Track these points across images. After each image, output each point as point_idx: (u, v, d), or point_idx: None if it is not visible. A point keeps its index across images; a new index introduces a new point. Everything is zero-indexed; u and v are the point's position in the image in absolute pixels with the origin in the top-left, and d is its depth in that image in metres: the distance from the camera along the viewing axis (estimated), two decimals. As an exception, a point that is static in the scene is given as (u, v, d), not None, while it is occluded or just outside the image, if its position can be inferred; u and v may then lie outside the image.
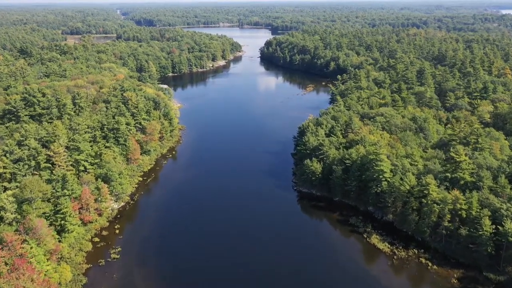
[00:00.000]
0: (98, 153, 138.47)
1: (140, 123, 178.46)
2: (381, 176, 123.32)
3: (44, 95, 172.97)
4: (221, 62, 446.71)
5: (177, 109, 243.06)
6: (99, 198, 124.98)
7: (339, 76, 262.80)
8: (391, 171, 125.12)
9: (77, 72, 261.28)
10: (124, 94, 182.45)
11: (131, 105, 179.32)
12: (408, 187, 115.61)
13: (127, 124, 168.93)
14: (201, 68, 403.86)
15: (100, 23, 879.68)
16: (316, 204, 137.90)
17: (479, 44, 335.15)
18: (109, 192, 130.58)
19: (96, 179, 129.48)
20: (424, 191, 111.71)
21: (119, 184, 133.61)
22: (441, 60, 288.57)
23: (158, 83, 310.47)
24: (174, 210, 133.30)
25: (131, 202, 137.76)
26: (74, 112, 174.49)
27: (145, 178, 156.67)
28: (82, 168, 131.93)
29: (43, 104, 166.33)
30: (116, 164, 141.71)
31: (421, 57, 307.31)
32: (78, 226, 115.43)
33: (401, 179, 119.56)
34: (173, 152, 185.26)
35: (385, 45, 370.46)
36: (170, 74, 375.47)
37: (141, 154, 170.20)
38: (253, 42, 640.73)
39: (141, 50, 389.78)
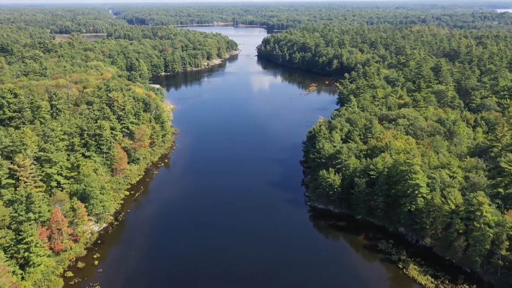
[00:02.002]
0: (75, 164, 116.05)
1: (127, 128, 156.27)
2: (416, 192, 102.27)
3: (16, 95, 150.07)
4: (217, 61, 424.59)
5: (170, 111, 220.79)
6: (75, 221, 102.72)
7: (346, 74, 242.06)
8: (427, 185, 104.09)
9: (60, 70, 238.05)
10: (110, 95, 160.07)
11: (117, 107, 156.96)
12: (453, 206, 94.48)
13: (112, 129, 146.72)
14: (195, 67, 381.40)
15: (90, 22, 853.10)
16: (335, 223, 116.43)
17: (491, 41, 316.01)
18: (87, 212, 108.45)
19: (71, 197, 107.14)
20: (476, 212, 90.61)
21: (100, 201, 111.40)
22: (453, 57, 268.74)
23: (150, 83, 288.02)
24: (167, 232, 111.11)
25: (115, 223, 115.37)
26: (51, 115, 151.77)
27: (132, 192, 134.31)
28: (54, 183, 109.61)
29: (14, 107, 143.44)
30: (97, 177, 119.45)
31: (431, 54, 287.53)
32: (47, 257, 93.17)
33: (444, 196, 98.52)
34: (166, 160, 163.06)
35: (391, 42, 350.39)
36: (163, 73, 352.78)
37: (128, 163, 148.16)
38: (249, 40, 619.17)
39: (131, 48, 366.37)
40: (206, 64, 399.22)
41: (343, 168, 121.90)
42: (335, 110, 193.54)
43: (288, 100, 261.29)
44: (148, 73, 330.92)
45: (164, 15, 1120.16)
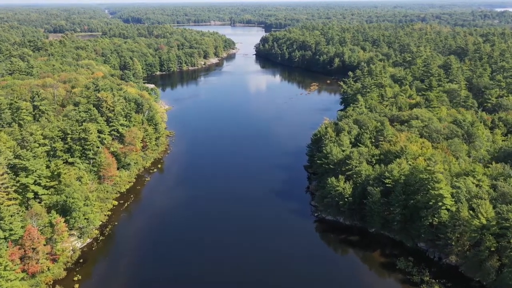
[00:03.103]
0: (56, 172, 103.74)
1: (117, 130, 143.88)
2: (439, 203, 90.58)
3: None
4: (214, 60, 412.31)
5: (164, 112, 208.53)
6: (53, 237, 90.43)
7: (350, 73, 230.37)
8: (452, 195, 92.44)
9: (49, 69, 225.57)
10: (98, 95, 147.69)
11: (106, 108, 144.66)
12: (484, 221, 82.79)
13: (100, 132, 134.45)
14: (192, 66, 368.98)
15: (85, 21, 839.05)
16: (346, 237, 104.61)
17: (498, 38, 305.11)
18: (68, 227, 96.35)
19: (49, 211, 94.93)
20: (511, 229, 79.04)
21: (83, 214, 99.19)
22: (461, 55, 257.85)
23: (144, 82, 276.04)
24: (158, 248, 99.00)
25: (101, 237, 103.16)
26: (34, 117, 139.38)
27: (121, 201, 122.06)
28: (31, 195, 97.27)
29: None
30: (81, 186, 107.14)
31: (437, 52, 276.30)
32: (20, 280, 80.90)
33: (471, 208, 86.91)
34: (159, 165, 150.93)
35: (394, 40, 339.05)
36: (158, 73, 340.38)
37: (118, 169, 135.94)
38: (247, 39, 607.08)
39: (125, 46, 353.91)
40: (203, 63, 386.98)
41: (354, 175, 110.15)
42: (340, 110, 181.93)
43: (289, 100, 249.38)
44: (143, 72, 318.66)
45: (160, 14, 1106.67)
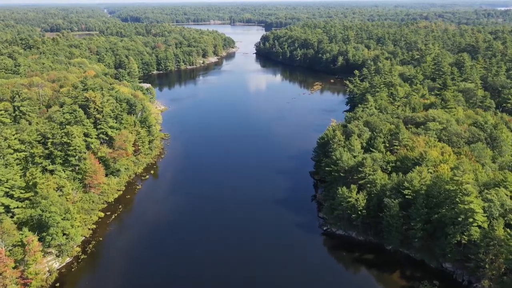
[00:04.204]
0: (32, 182, 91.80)
1: (106, 133, 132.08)
2: (470, 219, 78.58)
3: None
4: (213, 59, 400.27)
5: (159, 113, 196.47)
6: (25, 259, 78.50)
7: (356, 71, 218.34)
8: (483, 209, 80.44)
9: (38, 68, 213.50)
10: (86, 94, 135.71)
11: (94, 108, 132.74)
12: (526, 242, 70.88)
13: (86, 135, 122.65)
14: (190, 65, 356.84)
15: (83, 20, 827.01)
16: (360, 255, 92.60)
17: (509, 35, 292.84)
18: (45, 245, 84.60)
19: (21, 227, 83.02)
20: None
21: (61, 230, 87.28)
22: (471, 52, 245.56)
23: (140, 82, 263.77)
24: (148, 269, 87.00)
25: (82, 256, 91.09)
26: (14, 119, 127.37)
27: (108, 212, 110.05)
28: (1, 209, 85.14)
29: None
30: (60, 198, 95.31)
31: (446, 49, 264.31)
32: (-17, 312, 69.10)
33: (508, 225, 74.95)
34: (152, 171, 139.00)
35: (399, 37, 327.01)
36: (155, 72, 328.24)
37: (106, 176, 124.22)
38: (247, 38, 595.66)
39: (121, 44, 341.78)
40: (201, 62, 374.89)
41: (368, 185, 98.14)
42: (347, 111, 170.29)
43: (291, 100, 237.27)
44: (139, 71, 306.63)
45: (159, 13, 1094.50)
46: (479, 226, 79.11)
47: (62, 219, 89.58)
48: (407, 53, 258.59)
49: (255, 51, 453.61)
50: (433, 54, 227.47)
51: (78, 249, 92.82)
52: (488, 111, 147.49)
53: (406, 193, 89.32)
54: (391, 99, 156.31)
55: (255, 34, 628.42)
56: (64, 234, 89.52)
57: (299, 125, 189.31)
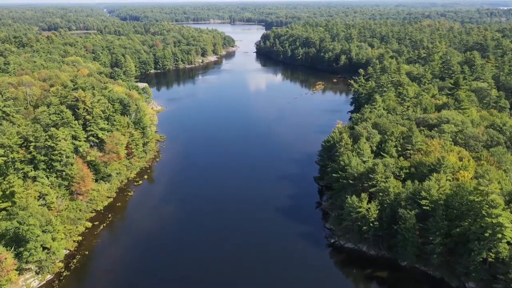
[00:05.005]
0: (8, 192, 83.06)
1: (96, 136, 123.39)
2: (498, 235, 69.88)
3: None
4: (212, 58, 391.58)
5: (155, 113, 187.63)
6: (-3, 279, 69.87)
7: (361, 70, 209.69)
8: (512, 224, 71.76)
9: (30, 66, 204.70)
10: (75, 94, 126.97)
11: (84, 109, 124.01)
12: None
13: (74, 138, 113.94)
14: (188, 64, 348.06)
15: (81, 19, 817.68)
16: (372, 272, 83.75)
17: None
18: (21, 262, 75.89)
19: (-5, 243, 74.45)
20: None
21: (40, 245, 78.60)
22: (479, 51, 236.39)
23: (136, 81, 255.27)
24: (141, 286, 78.54)
25: (65, 273, 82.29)
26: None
27: (97, 222, 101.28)
28: (-28, 221, 76.54)
29: None
30: (42, 208, 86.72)
31: (453, 48, 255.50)
32: None
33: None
34: (146, 176, 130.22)
35: (404, 36, 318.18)
36: (152, 71, 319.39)
37: (96, 181, 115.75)
38: (247, 37, 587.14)
39: (118, 43, 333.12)
40: (200, 61, 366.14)
41: (380, 193, 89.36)
42: (352, 112, 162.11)
43: (293, 100, 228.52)
44: (136, 70, 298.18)
45: (158, 12, 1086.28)
46: (508, 243, 70.45)
47: (42, 231, 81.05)
48: (412, 52, 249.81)
49: (255, 50, 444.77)
50: (441, 53, 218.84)
51: (61, 264, 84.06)
52: (503, 112, 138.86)
53: (424, 203, 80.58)
54: (399, 99, 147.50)
55: (255, 33, 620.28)
56: (44, 249, 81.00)
57: (301, 126, 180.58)
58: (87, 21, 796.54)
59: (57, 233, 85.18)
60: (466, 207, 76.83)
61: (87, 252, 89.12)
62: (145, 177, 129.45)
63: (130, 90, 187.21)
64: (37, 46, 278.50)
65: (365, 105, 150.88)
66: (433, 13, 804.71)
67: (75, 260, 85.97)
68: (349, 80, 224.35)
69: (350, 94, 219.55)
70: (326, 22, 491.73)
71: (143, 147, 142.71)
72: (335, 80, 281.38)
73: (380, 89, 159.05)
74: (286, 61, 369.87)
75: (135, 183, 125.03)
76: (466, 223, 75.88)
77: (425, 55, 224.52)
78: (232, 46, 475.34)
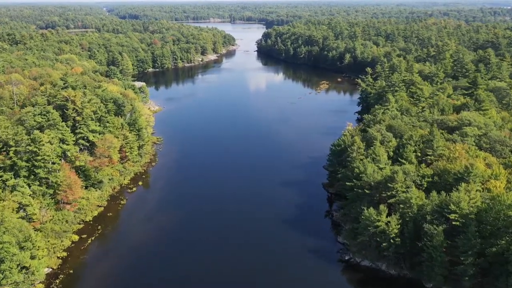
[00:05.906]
0: (-18, 203, 73.45)
1: (86, 139, 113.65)
2: (544, 258, 60.24)
3: None
4: (212, 56, 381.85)
5: (151, 114, 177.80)
6: (-37, 307, 60.20)
7: (368, 69, 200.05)
8: (560, 244, 62.07)
9: (21, 64, 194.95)
10: (64, 93, 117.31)
11: (73, 109, 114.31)
12: None
13: (63, 141, 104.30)
14: (188, 63, 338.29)
15: (79, 17, 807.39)
16: (393, 295, 74.25)
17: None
18: (-6, 286, 66.26)
19: (-39, 265, 64.73)
20: None
21: (17, 265, 68.95)
22: (492, 49, 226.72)
23: (133, 80, 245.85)
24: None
25: (45, 296, 72.84)
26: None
27: (85, 235, 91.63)
28: None
29: None
30: (20, 221, 77.05)
31: (463, 46, 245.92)
32: None
33: None
34: (141, 182, 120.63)
35: (409, 34, 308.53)
36: (150, 70, 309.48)
37: (86, 188, 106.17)
38: (247, 36, 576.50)
39: (115, 41, 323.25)
40: (200, 59, 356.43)
41: (400, 205, 79.68)
42: (359, 112, 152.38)
43: (297, 100, 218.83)
44: (134, 69, 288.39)
45: (158, 11, 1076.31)
46: (556, 266, 60.86)
47: (20, 248, 71.51)
48: (421, 50, 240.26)
49: (256, 49, 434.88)
50: (451, 51, 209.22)
51: (41, 286, 74.39)
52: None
53: (453, 217, 70.94)
54: (413, 99, 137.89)
55: (256, 32, 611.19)
56: (23, 268, 71.34)
57: (306, 127, 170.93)
58: (86, 19, 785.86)
59: (38, 250, 75.47)
60: (502, 223, 67.21)
61: (71, 271, 79.34)
62: (140, 183, 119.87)
63: (125, 89, 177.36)
64: (30, 43, 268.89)
65: (375, 106, 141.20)
66: (436, 12, 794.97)
67: (57, 281, 76.27)
68: (356, 80, 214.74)
69: (356, 93, 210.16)
70: (329, 20, 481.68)
71: (138, 150, 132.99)
72: (339, 79, 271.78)
73: (391, 89, 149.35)
74: (288, 59, 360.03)
75: (129, 190, 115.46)
76: (503, 242, 66.24)
77: (434, 53, 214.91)
78: (233, 45, 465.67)
